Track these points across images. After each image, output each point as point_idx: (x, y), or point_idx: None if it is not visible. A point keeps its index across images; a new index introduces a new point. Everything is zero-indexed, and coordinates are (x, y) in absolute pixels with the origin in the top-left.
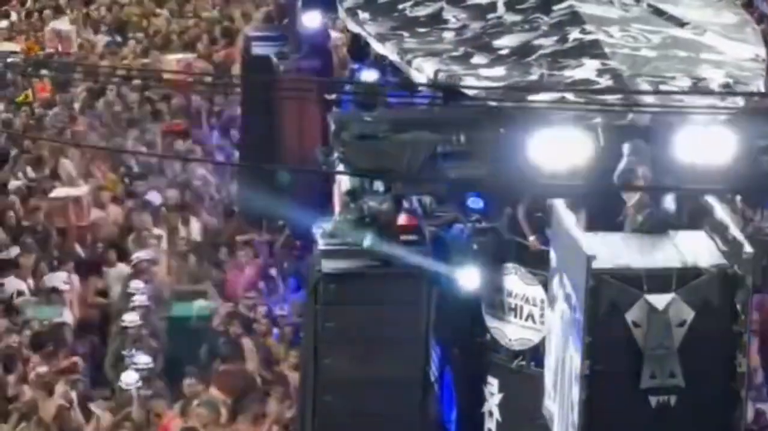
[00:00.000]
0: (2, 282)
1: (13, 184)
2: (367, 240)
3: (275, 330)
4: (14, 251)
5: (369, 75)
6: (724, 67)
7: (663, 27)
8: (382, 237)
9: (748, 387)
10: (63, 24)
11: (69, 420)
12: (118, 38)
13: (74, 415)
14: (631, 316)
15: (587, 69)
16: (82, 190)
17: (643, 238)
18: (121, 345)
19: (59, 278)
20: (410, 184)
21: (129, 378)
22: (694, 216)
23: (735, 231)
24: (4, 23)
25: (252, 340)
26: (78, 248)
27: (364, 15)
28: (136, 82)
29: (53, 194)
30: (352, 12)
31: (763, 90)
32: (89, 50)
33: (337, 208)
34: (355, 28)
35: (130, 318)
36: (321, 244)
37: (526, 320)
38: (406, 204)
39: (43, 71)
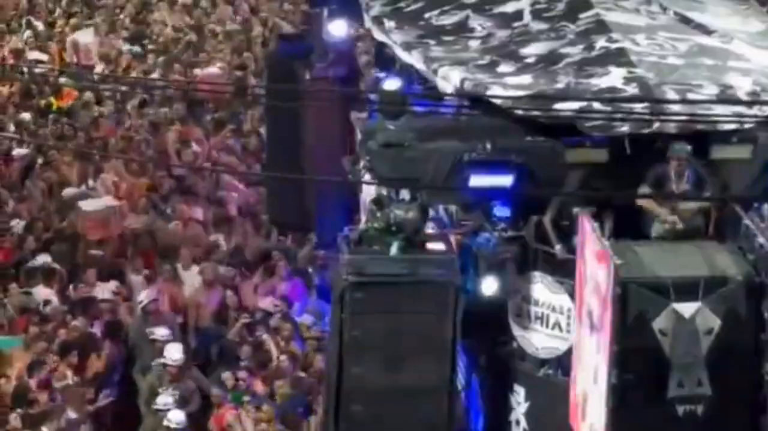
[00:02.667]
0: (30, 291)
1: (36, 190)
2: (394, 249)
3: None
4: (41, 259)
5: (394, 83)
6: (752, 74)
7: (690, 35)
8: (408, 246)
9: None
10: (84, 36)
11: None
12: (138, 48)
13: None
14: (658, 324)
15: (614, 77)
16: (110, 201)
17: (670, 246)
18: (158, 382)
19: (107, 288)
20: (436, 192)
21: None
22: (722, 225)
23: (762, 240)
24: (28, 33)
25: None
26: (103, 258)
27: (390, 23)
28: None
29: (82, 204)
30: (378, 20)
31: None
32: (113, 61)
33: (363, 216)
34: (381, 36)
35: (172, 356)
36: (347, 252)
37: (553, 328)
38: (432, 213)
39: (66, 81)
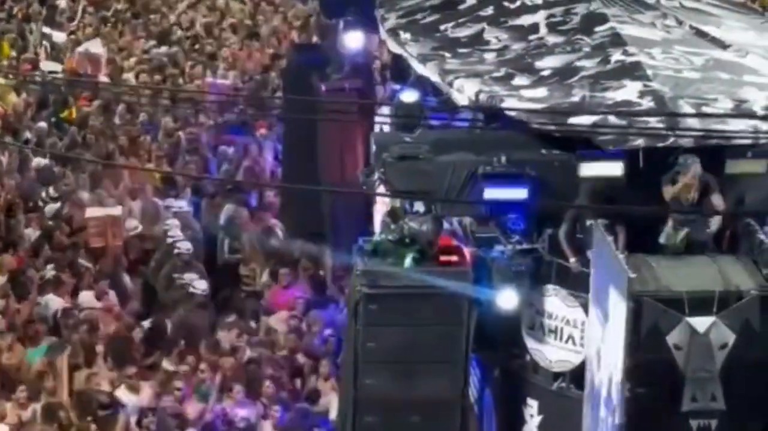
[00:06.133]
0: (42, 301)
1: (51, 207)
2: (408, 261)
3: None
4: (50, 270)
5: (410, 95)
6: (767, 89)
7: (705, 49)
8: (422, 258)
9: None
10: (93, 46)
11: None
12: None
13: None
14: (672, 339)
15: (629, 91)
16: (118, 209)
17: (684, 260)
18: (173, 269)
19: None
20: (451, 205)
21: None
22: (736, 239)
23: None
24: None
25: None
26: (113, 267)
27: (405, 35)
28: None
29: (89, 213)
30: (393, 32)
31: None
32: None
33: (377, 228)
34: (396, 48)
35: (185, 246)
36: (361, 264)
37: (567, 342)
38: (446, 225)
39: (81, 91)
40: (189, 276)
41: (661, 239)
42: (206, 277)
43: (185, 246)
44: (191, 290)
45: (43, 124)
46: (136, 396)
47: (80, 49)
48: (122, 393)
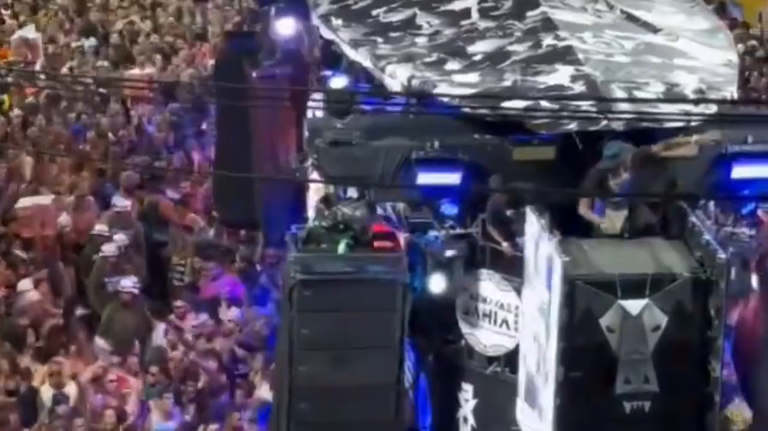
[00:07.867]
0: None
1: None
2: (342, 247)
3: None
4: None
5: (341, 81)
6: (698, 72)
7: (636, 33)
8: (356, 244)
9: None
10: (29, 32)
11: None
12: (91, 43)
13: None
14: (605, 321)
15: (561, 75)
16: (48, 199)
17: (616, 243)
18: (102, 272)
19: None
20: (384, 190)
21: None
22: (668, 222)
23: (708, 236)
24: None
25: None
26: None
27: (337, 21)
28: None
29: (20, 203)
30: (325, 18)
31: (735, 95)
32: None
33: (311, 214)
34: (328, 34)
35: (109, 249)
36: (295, 251)
37: (501, 326)
38: (380, 211)
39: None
40: (117, 278)
41: (605, 229)
42: (140, 274)
43: (110, 249)
44: (119, 289)
45: None
46: (58, 390)
47: (15, 36)
48: (45, 388)
